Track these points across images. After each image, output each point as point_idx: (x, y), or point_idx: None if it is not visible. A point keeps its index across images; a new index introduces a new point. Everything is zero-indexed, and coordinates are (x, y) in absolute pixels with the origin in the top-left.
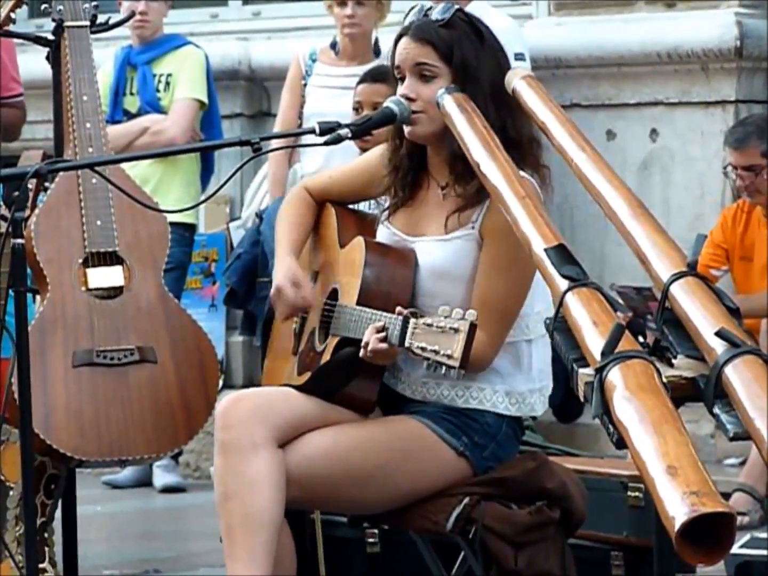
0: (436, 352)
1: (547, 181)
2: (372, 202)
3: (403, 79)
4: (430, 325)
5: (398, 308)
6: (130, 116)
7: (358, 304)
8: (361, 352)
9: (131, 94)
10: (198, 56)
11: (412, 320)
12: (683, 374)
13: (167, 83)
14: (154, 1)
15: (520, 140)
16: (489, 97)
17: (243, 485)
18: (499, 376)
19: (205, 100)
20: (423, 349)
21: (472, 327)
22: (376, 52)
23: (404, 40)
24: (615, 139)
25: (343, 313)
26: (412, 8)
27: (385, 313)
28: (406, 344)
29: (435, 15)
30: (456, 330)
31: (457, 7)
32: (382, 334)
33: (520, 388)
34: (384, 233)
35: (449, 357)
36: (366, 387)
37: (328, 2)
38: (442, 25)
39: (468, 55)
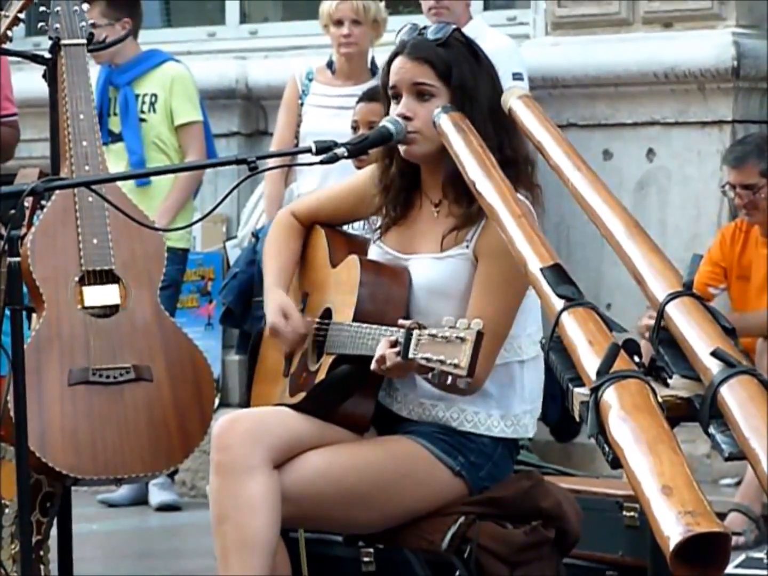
0: (442, 362)
1: (539, 201)
2: (364, 222)
3: (396, 98)
4: (434, 336)
5: (401, 321)
6: (114, 137)
7: (353, 321)
8: (373, 365)
9: (114, 114)
10: (185, 76)
11: (416, 332)
12: (679, 394)
13: (151, 103)
14: (97, 28)
15: (516, 160)
16: (488, 116)
17: (238, 508)
18: (494, 399)
19: (202, 119)
20: (428, 359)
21: (479, 335)
22: (373, 72)
23: (400, 59)
24: (611, 158)
25: (339, 331)
26: (404, 27)
27: (384, 327)
28: (410, 356)
29: (431, 34)
30: (462, 339)
31: (453, 26)
32: (397, 349)
33: (515, 409)
34: (376, 253)
35: (456, 366)
36: (362, 405)
37: (324, 21)
38: (440, 44)
39: (466, 74)
